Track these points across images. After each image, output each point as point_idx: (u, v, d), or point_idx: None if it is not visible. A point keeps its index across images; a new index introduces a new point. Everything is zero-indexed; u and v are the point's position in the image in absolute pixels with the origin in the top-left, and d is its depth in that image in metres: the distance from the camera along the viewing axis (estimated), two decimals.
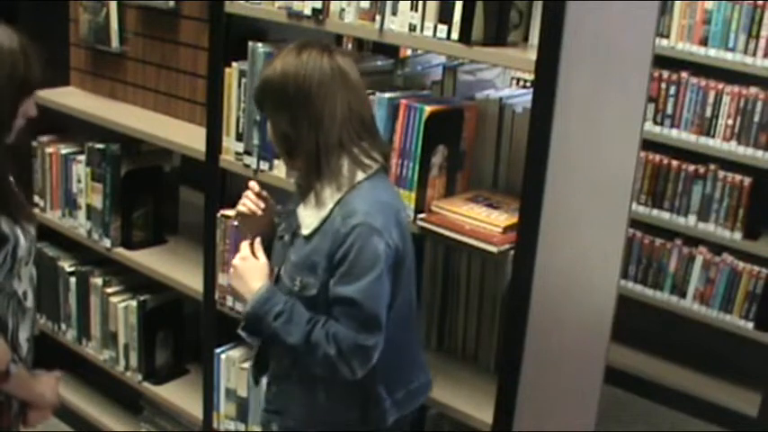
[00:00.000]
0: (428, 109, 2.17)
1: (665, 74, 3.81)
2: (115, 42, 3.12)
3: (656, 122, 3.85)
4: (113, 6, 3.08)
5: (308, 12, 2.31)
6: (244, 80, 2.51)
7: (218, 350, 2.78)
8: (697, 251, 3.87)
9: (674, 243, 3.92)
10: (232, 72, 2.55)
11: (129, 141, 3.02)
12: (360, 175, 1.95)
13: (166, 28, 3.00)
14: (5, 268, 1.92)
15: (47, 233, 3.19)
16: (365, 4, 2.21)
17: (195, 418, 2.94)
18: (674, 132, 3.84)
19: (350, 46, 3.08)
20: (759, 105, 3.63)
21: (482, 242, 2.11)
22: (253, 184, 2.22)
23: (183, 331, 3.16)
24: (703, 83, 3.75)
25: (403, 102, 2.21)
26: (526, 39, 2.14)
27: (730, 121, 3.70)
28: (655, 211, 3.93)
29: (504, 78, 2.65)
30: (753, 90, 3.65)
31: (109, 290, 3.13)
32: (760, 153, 3.64)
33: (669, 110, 3.83)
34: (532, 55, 1.94)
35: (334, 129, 1.93)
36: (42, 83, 1.97)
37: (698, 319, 3.86)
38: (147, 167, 3.09)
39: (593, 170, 2.20)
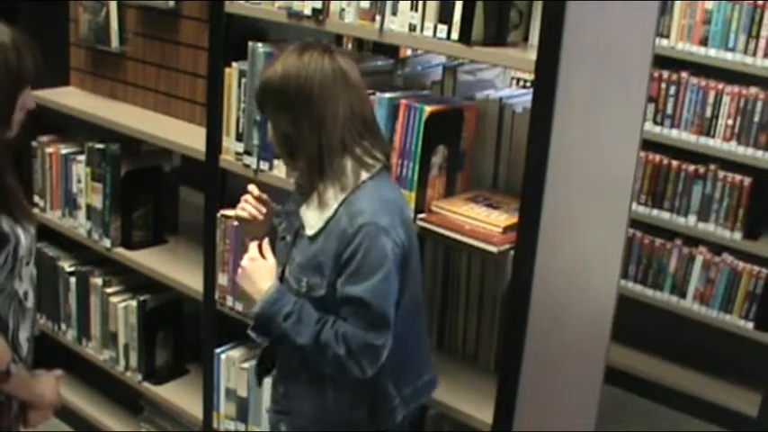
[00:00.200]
0: (428, 109, 2.17)
1: (665, 74, 3.81)
2: (115, 42, 3.12)
3: (656, 122, 3.85)
4: (113, 6, 3.08)
5: (307, 12, 2.31)
6: (244, 80, 2.51)
7: (218, 350, 2.78)
8: (697, 251, 3.87)
9: (674, 243, 3.92)
10: (232, 72, 2.55)
11: (129, 141, 3.02)
12: (363, 175, 1.95)
13: (166, 28, 3.00)
14: (6, 268, 1.92)
15: (47, 233, 3.19)
16: (365, 4, 2.21)
17: (195, 418, 2.94)
18: (674, 132, 3.84)
19: (350, 46, 3.08)
20: (759, 105, 3.63)
21: (482, 242, 2.11)
22: (252, 187, 2.22)
23: (183, 331, 3.16)
24: (703, 83, 3.75)
25: (403, 102, 2.21)
26: (526, 39, 2.14)
27: (730, 121, 3.70)
28: (655, 211, 3.93)
29: (504, 78, 2.65)
30: (753, 90, 3.65)
31: (109, 290, 3.13)
32: (760, 153, 3.64)
33: (669, 110, 3.83)
34: (532, 55, 1.94)
35: (335, 129, 1.93)
36: (38, 75, 1.96)
37: (698, 319, 3.86)
38: (147, 167, 3.09)
39: (593, 170, 2.20)
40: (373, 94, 2.22)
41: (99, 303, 3.15)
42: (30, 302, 2.03)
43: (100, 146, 3.02)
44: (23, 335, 2.02)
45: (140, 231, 3.10)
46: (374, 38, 2.22)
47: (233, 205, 2.65)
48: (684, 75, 3.79)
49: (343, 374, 1.95)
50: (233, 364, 2.74)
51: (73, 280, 3.22)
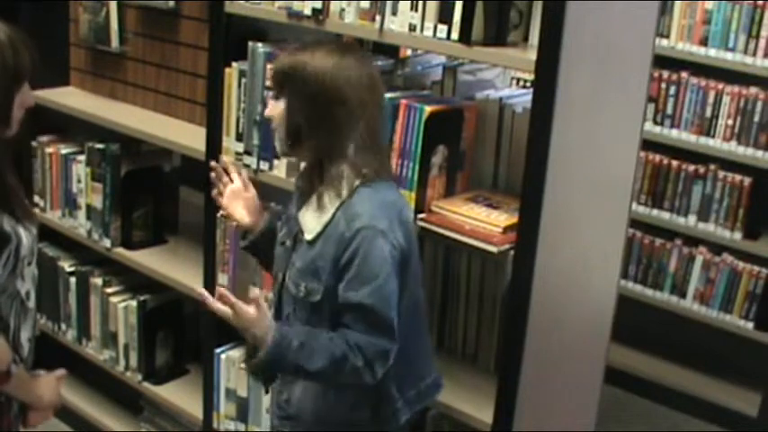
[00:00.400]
0: (428, 109, 2.17)
1: (665, 74, 3.81)
2: (115, 42, 3.12)
3: (656, 122, 3.85)
4: (113, 6, 3.08)
5: (307, 12, 2.31)
6: (244, 80, 2.51)
7: (218, 350, 2.78)
8: (697, 251, 3.87)
9: (674, 243, 3.92)
10: (232, 72, 2.55)
11: (129, 141, 3.02)
12: (361, 181, 1.94)
13: (166, 28, 3.00)
14: (8, 268, 1.92)
15: (47, 233, 3.18)
16: (365, 4, 2.21)
17: (195, 418, 2.94)
18: (674, 132, 3.84)
19: None
20: (759, 105, 3.63)
21: (482, 242, 2.11)
22: (212, 163, 2.25)
23: (183, 331, 3.16)
24: (703, 83, 3.75)
25: (403, 102, 2.21)
26: (526, 39, 2.14)
27: (730, 121, 3.70)
28: (655, 211, 3.93)
29: (504, 78, 2.65)
30: (753, 90, 3.65)
31: (109, 290, 3.13)
32: (760, 153, 3.64)
33: (669, 110, 3.84)
34: (532, 55, 1.94)
35: (349, 136, 1.92)
36: (35, 71, 1.95)
37: (698, 319, 3.87)
38: (147, 167, 3.09)
39: (593, 170, 2.20)
40: None
41: (99, 303, 3.15)
42: (31, 303, 2.03)
43: (100, 146, 3.02)
44: (25, 335, 2.02)
45: (140, 231, 3.10)
46: (374, 38, 2.22)
47: None
48: (684, 75, 3.79)
49: (357, 383, 1.92)
50: (233, 364, 2.74)
51: (73, 280, 3.22)
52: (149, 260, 3.02)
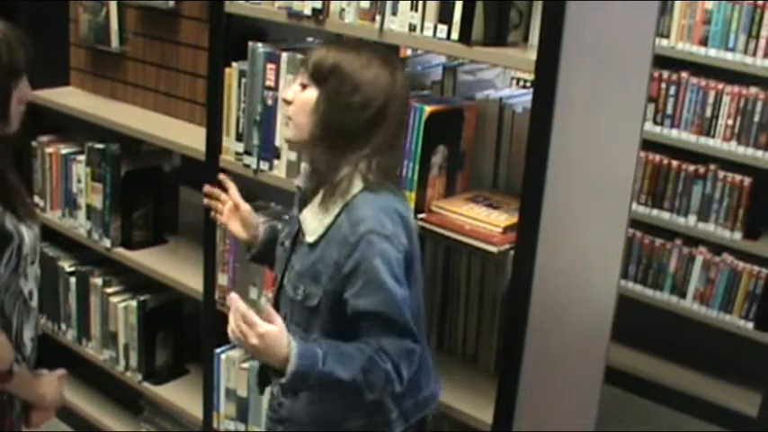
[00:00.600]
0: (428, 109, 2.17)
1: (665, 74, 3.81)
2: (115, 42, 3.12)
3: (656, 122, 3.85)
4: (113, 6, 3.08)
5: (307, 12, 2.31)
6: (244, 80, 2.51)
7: (218, 350, 2.78)
8: (697, 251, 3.87)
9: (674, 243, 3.92)
10: (232, 72, 2.55)
11: (129, 141, 3.02)
12: (364, 186, 1.91)
13: (166, 28, 3.00)
14: (10, 267, 1.92)
15: (47, 233, 3.16)
16: (365, 4, 2.21)
17: (195, 418, 2.94)
18: (674, 132, 3.84)
19: None
20: (759, 105, 3.63)
21: (482, 242, 2.11)
22: (206, 188, 2.28)
23: (183, 331, 3.16)
24: (703, 83, 3.75)
25: None
26: (526, 39, 2.14)
27: (730, 121, 3.70)
28: (655, 211, 3.93)
29: (504, 78, 2.65)
30: (753, 90, 3.65)
31: (109, 290, 3.13)
32: (760, 153, 3.64)
33: (669, 110, 3.84)
34: (532, 55, 1.94)
35: (369, 142, 1.90)
36: (30, 65, 1.94)
37: (698, 319, 3.87)
38: (147, 167, 3.09)
39: (593, 170, 2.20)
40: None
41: (99, 303, 3.15)
42: (34, 302, 2.03)
43: (100, 146, 3.02)
44: (27, 334, 2.02)
45: (140, 231, 3.10)
46: (374, 38, 2.22)
47: None
48: (684, 75, 3.79)
49: (385, 390, 1.88)
50: (233, 364, 2.74)
51: (73, 280, 3.22)
52: (149, 260, 3.02)
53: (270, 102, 2.45)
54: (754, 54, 3.58)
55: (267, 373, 2.11)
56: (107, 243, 3.07)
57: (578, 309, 2.35)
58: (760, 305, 3.72)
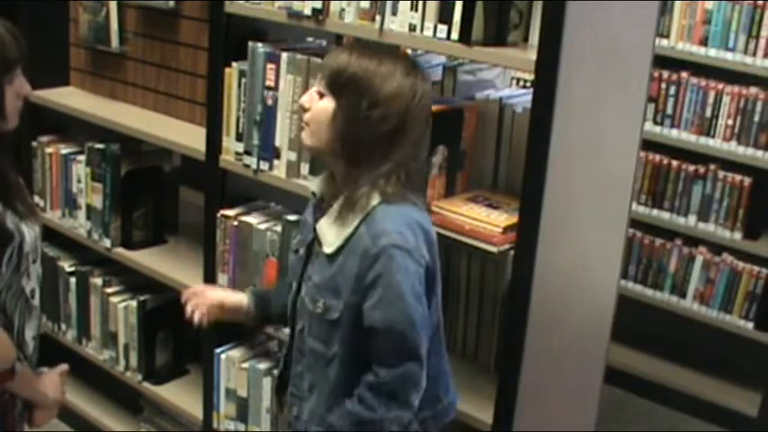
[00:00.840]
0: None
1: (665, 74, 3.81)
2: (115, 42, 3.12)
3: (656, 122, 3.85)
4: (113, 6, 3.08)
5: (307, 12, 2.31)
6: (244, 80, 2.51)
7: (218, 350, 2.78)
8: (697, 251, 3.87)
9: (674, 243, 3.92)
10: (232, 72, 2.55)
11: (129, 141, 3.02)
12: (382, 199, 1.86)
13: (166, 28, 3.00)
14: (11, 266, 1.92)
15: (47, 233, 3.18)
16: (365, 4, 2.21)
17: (195, 418, 2.94)
18: (674, 132, 3.84)
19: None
20: (759, 105, 3.63)
21: (482, 242, 2.11)
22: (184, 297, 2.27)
23: (183, 331, 3.16)
24: (703, 83, 3.75)
25: None
26: (526, 39, 2.14)
27: (730, 121, 3.70)
28: (655, 211, 3.93)
29: (504, 78, 2.65)
30: (753, 90, 3.65)
31: (109, 290, 3.13)
32: (760, 153, 3.64)
33: (669, 110, 3.84)
34: (532, 55, 1.94)
35: (392, 155, 1.84)
36: (23, 58, 1.92)
37: (698, 319, 3.87)
38: (147, 167, 3.09)
39: (593, 170, 2.20)
40: None
41: (99, 303, 3.15)
42: (36, 301, 2.03)
43: (100, 146, 3.01)
44: (29, 333, 2.02)
45: (140, 231, 3.10)
46: (374, 38, 2.22)
47: (233, 205, 2.67)
48: (684, 75, 3.79)
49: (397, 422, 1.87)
50: (233, 364, 2.74)
51: (73, 280, 3.22)
52: (149, 260, 3.02)
53: (270, 102, 2.45)
54: (754, 54, 3.58)
55: (282, 387, 2.12)
56: (107, 243, 3.07)
57: (578, 309, 2.35)
58: (760, 305, 3.72)
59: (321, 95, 1.88)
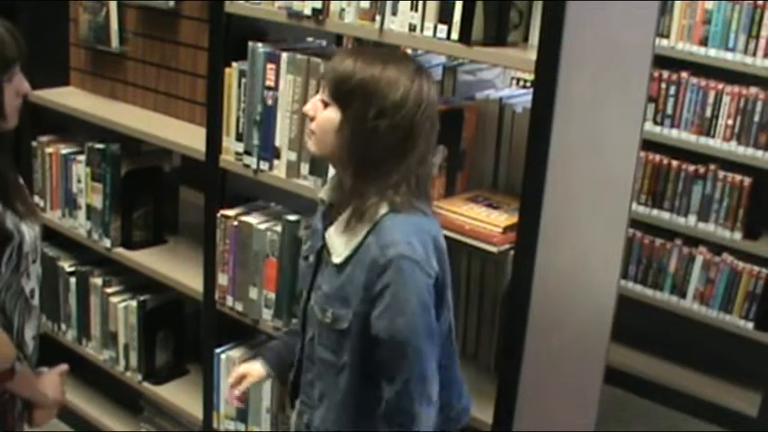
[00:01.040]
0: None
1: (665, 74, 3.81)
2: (115, 42, 3.12)
3: (656, 122, 3.85)
4: (113, 6, 3.08)
5: (307, 12, 2.31)
6: (244, 80, 2.51)
7: (218, 350, 2.78)
8: (697, 251, 3.87)
9: (674, 243, 3.92)
10: (232, 72, 2.55)
11: (129, 141, 3.02)
12: (390, 209, 1.83)
13: (166, 28, 3.00)
14: (11, 265, 1.92)
15: (47, 233, 3.18)
16: (365, 4, 2.21)
17: (195, 418, 2.94)
18: (674, 132, 3.84)
19: (350, 46, 3.08)
20: (759, 105, 3.63)
21: (482, 242, 2.11)
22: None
23: (183, 331, 3.16)
24: (703, 83, 3.75)
25: None
26: (526, 39, 2.14)
27: (730, 121, 3.70)
28: (655, 211, 3.93)
29: (504, 78, 2.65)
30: (753, 90, 3.65)
31: (109, 290, 3.13)
32: (760, 153, 3.64)
33: (669, 110, 3.84)
34: (532, 55, 1.94)
35: (400, 164, 1.81)
36: (22, 56, 1.92)
37: (698, 319, 3.87)
38: (147, 167, 3.09)
39: (593, 170, 2.20)
40: None
41: (99, 303, 3.15)
42: (35, 301, 2.03)
43: (100, 146, 3.02)
44: (29, 333, 2.02)
45: (140, 231, 3.10)
46: (374, 38, 2.22)
47: (233, 205, 2.67)
48: (684, 75, 3.79)
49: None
50: (233, 364, 2.74)
51: (73, 280, 3.22)
52: (149, 260, 3.02)
53: (270, 102, 2.45)
54: (754, 54, 3.58)
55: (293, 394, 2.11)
56: (107, 243, 3.07)
57: (578, 309, 2.35)
58: (760, 305, 3.72)
59: (325, 104, 1.84)
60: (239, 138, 2.57)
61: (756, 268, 3.72)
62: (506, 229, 2.10)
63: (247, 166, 2.56)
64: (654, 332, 4.09)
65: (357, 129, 1.80)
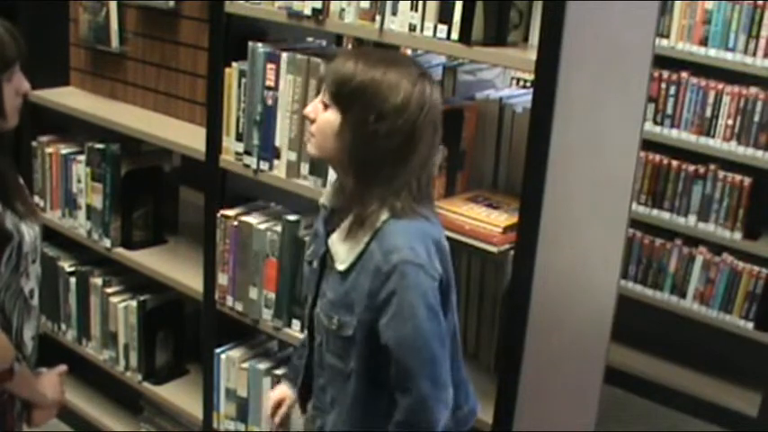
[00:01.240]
0: None
1: (665, 74, 3.81)
2: (115, 42, 3.12)
3: (656, 122, 3.85)
4: (113, 6, 3.08)
5: (307, 12, 2.31)
6: (244, 80, 2.51)
7: (218, 350, 2.78)
8: (697, 251, 3.87)
9: (674, 243, 3.92)
10: (232, 72, 2.55)
11: (129, 141, 3.02)
12: (391, 215, 1.81)
13: (166, 28, 3.00)
14: (10, 265, 1.92)
15: (47, 233, 3.18)
16: (365, 4, 2.21)
17: (195, 418, 2.94)
18: (674, 132, 3.84)
19: (350, 46, 3.08)
20: (759, 105, 3.63)
21: (482, 242, 2.11)
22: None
23: (183, 331, 3.16)
24: (703, 83, 3.75)
25: None
26: (526, 39, 2.14)
27: (730, 121, 3.70)
28: (655, 211, 3.93)
29: (504, 78, 2.65)
30: (753, 90, 3.65)
31: (109, 290, 3.12)
32: (760, 153, 3.64)
33: (669, 110, 3.83)
34: (532, 55, 1.94)
35: (402, 168, 1.79)
36: (21, 55, 1.92)
37: (698, 319, 3.87)
38: (147, 167, 3.09)
39: (593, 170, 2.20)
40: None
41: (99, 303, 3.15)
42: (35, 301, 2.03)
43: (100, 146, 3.01)
44: (28, 333, 2.02)
45: (140, 231, 3.10)
46: (374, 38, 2.22)
47: (233, 205, 2.67)
48: (684, 75, 3.79)
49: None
50: (233, 364, 2.74)
51: (73, 280, 3.22)
52: (149, 260, 3.02)
53: (270, 102, 2.45)
54: (754, 54, 3.58)
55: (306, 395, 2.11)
56: (107, 243, 3.07)
57: (578, 309, 2.35)
58: (760, 305, 3.71)
59: (326, 106, 1.82)
60: (239, 138, 2.57)
61: (756, 268, 3.72)
62: (506, 229, 2.10)
63: (247, 166, 2.56)
64: (654, 332, 4.09)
65: (357, 132, 1.78)
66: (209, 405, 2.85)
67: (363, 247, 1.82)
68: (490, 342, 2.38)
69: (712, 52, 3.69)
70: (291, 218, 2.50)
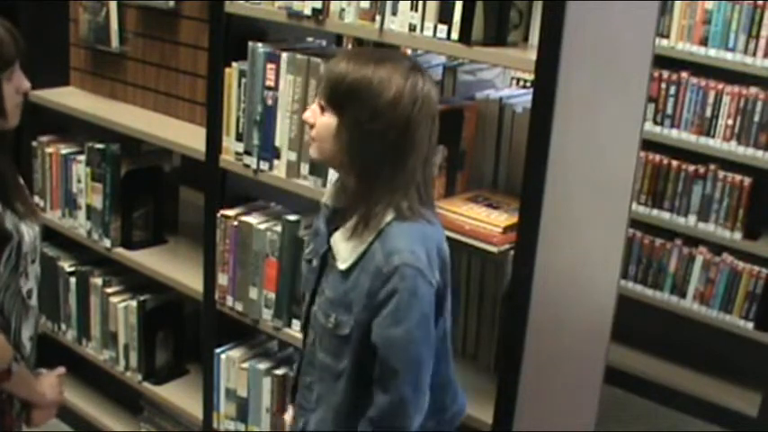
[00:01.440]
0: None
1: (665, 74, 3.81)
2: (115, 42, 3.12)
3: (656, 122, 3.85)
4: (113, 6, 3.08)
5: (307, 12, 2.31)
6: (244, 80, 2.51)
7: (218, 350, 2.78)
8: (697, 251, 3.87)
9: (674, 243, 3.92)
10: (232, 72, 2.55)
11: (129, 141, 3.02)
12: (395, 216, 1.81)
13: (166, 28, 3.00)
14: (10, 266, 1.92)
15: (47, 233, 3.18)
16: (365, 4, 2.21)
17: (195, 418, 2.94)
18: (674, 132, 3.84)
19: (350, 46, 3.08)
20: (759, 105, 3.63)
21: (482, 242, 2.11)
22: None
23: (183, 331, 3.16)
24: (703, 83, 3.75)
25: None
26: (526, 39, 2.14)
27: (730, 121, 3.70)
28: (655, 211, 3.93)
29: (504, 78, 2.65)
30: (753, 90, 3.65)
31: (109, 290, 3.12)
32: (760, 153, 3.64)
33: (669, 110, 3.84)
34: (532, 55, 1.94)
35: (403, 169, 1.79)
36: (20, 54, 1.91)
37: (698, 319, 3.87)
38: (147, 167, 3.09)
39: (593, 170, 2.20)
40: None
41: (99, 303, 3.15)
42: (33, 301, 2.03)
43: (100, 146, 3.02)
44: (26, 333, 2.02)
45: (140, 231, 3.10)
46: (374, 38, 2.22)
47: (232, 205, 2.67)
48: (684, 75, 3.79)
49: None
50: (233, 364, 2.74)
51: (73, 280, 3.22)
52: (149, 260, 3.02)
53: (270, 102, 2.46)
54: (754, 54, 3.58)
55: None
56: (107, 243, 3.07)
57: (578, 309, 2.35)
58: (760, 305, 3.71)
59: (323, 110, 1.83)
60: (239, 138, 2.57)
61: (756, 268, 3.72)
62: (506, 229, 2.10)
63: (247, 166, 2.56)
64: (654, 332, 4.09)
65: (355, 132, 1.79)
66: (209, 405, 2.85)
67: (366, 247, 1.82)
68: (490, 342, 2.38)
69: (712, 52, 3.69)
70: (291, 218, 2.50)
